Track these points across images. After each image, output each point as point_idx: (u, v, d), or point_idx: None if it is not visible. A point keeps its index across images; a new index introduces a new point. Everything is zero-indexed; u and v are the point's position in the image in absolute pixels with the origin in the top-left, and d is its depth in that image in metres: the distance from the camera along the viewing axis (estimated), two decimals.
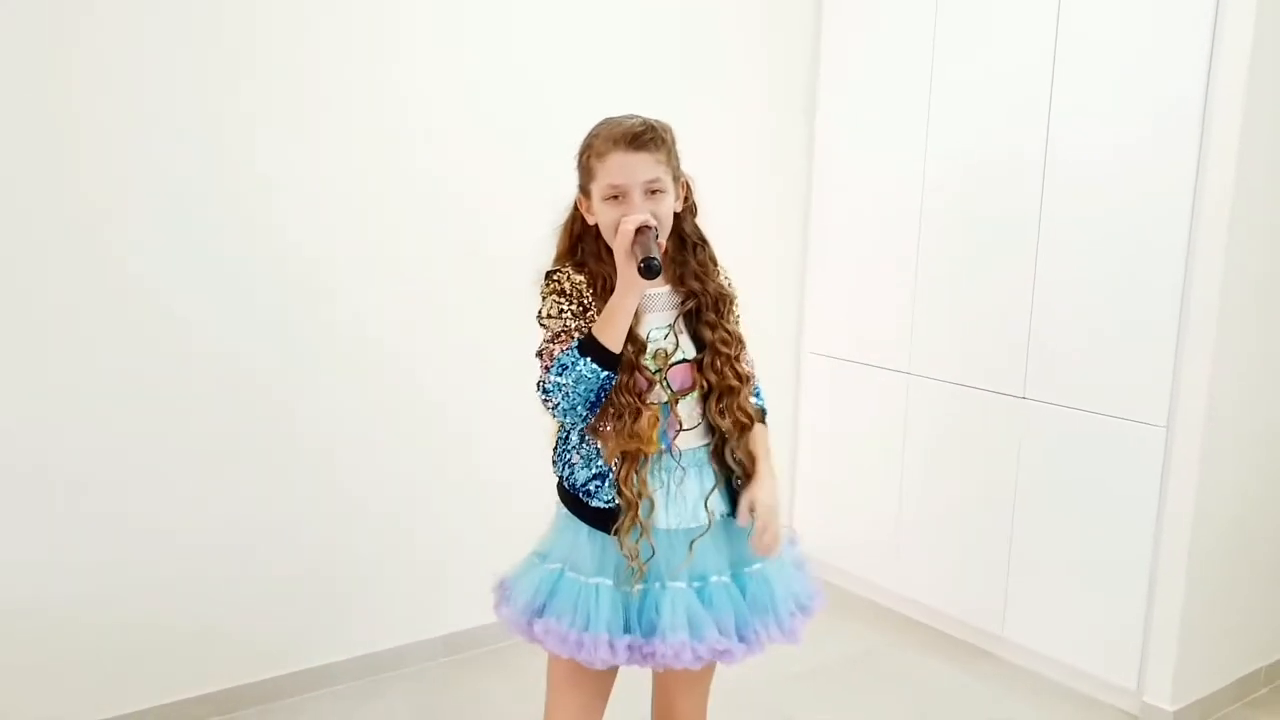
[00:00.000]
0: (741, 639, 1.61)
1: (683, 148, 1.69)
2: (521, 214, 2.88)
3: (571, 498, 1.68)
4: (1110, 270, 2.63)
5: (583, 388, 1.54)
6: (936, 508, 3.16)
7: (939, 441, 3.14)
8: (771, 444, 1.73)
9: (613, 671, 1.67)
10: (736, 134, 3.32)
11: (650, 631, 1.57)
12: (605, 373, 1.54)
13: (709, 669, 1.72)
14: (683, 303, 1.68)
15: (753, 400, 1.73)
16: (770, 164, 3.44)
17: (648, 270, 1.48)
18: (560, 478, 1.70)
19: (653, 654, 1.57)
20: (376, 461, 2.74)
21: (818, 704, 2.74)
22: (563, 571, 1.64)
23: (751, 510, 1.63)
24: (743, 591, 1.65)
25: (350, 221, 2.61)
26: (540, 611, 1.61)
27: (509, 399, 2.92)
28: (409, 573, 2.84)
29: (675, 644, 1.55)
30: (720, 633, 1.58)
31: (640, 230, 1.51)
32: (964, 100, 2.97)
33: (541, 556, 1.69)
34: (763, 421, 1.73)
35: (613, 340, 1.54)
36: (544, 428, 1.75)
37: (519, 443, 2.92)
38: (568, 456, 1.68)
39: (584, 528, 1.65)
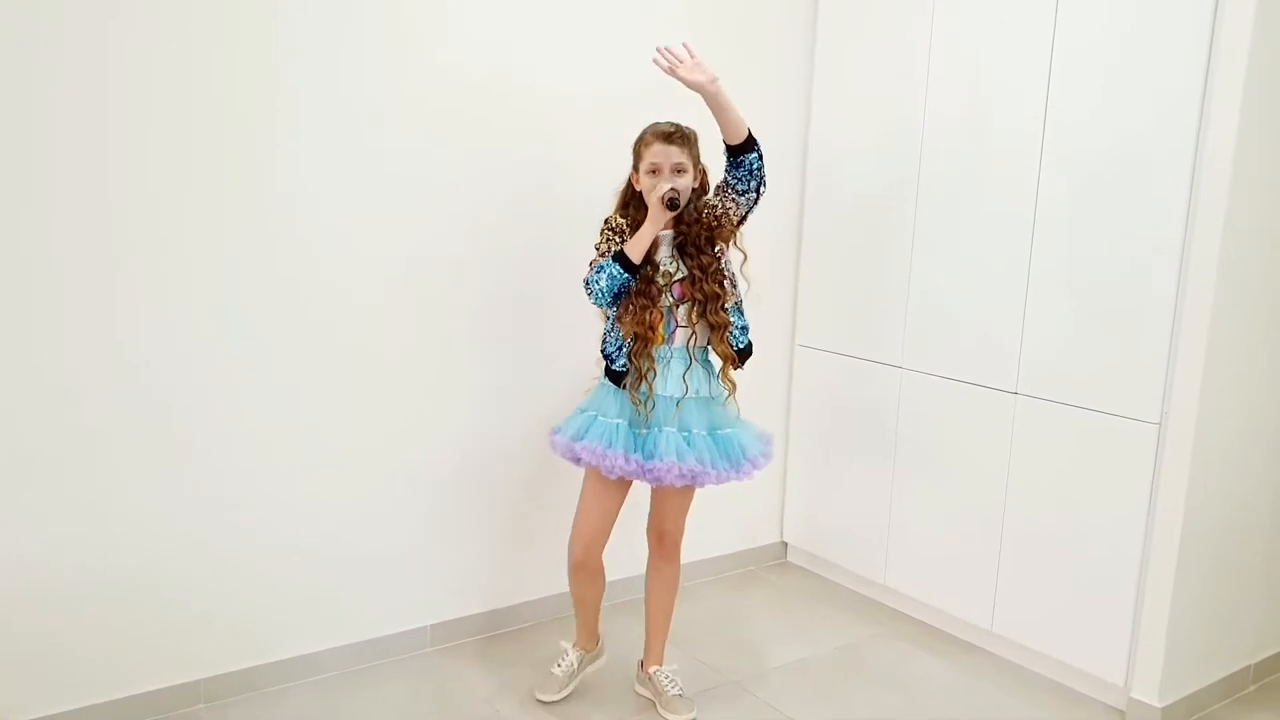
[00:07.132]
0: (712, 468, 2.38)
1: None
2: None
3: (606, 365, 2.48)
4: (1104, 265, 2.62)
5: (608, 283, 2.34)
6: (927, 503, 3.15)
7: (930, 436, 3.13)
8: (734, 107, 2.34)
9: (624, 485, 2.49)
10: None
11: (649, 456, 2.37)
12: (625, 275, 2.34)
13: (689, 490, 2.49)
14: (674, 239, 2.43)
15: (758, 166, 2.38)
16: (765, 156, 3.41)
17: (671, 205, 2.32)
18: (603, 352, 2.48)
19: (650, 470, 2.36)
20: (363, 451, 2.73)
21: (807, 697, 2.73)
22: (596, 416, 2.45)
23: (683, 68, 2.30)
24: (716, 444, 2.41)
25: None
26: (581, 438, 2.42)
27: (500, 399, 2.95)
28: (393, 561, 2.83)
29: (665, 465, 2.34)
30: (696, 462, 2.36)
31: (669, 191, 2.33)
32: (957, 99, 2.95)
33: (582, 409, 2.51)
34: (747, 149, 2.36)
35: (634, 253, 2.33)
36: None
37: (508, 439, 2.93)
38: (605, 337, 2.48)
39: (612, 388, 2.46)
